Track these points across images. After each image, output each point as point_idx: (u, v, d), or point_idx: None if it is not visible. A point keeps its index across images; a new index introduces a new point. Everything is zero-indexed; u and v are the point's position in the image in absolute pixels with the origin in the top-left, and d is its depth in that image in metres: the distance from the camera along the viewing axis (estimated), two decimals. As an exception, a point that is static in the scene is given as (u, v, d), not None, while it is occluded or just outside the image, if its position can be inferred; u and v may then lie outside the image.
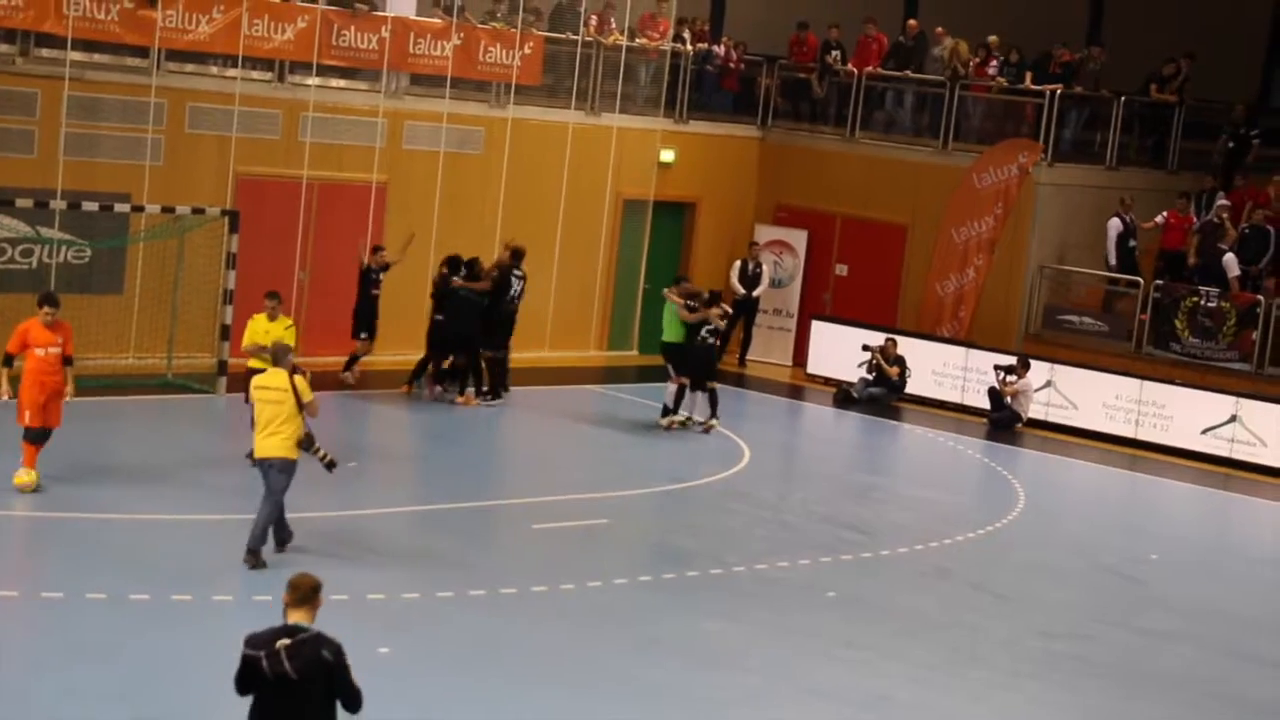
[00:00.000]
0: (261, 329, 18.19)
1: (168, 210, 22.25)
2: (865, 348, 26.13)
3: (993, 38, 28.83)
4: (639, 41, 28.04)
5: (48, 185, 21.81)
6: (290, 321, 18.53)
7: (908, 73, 28.99)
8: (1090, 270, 27.35)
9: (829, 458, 22.73)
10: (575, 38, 26.92)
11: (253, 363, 17.60)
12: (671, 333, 22.97)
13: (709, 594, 15.41)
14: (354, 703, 8.47)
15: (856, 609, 15.67)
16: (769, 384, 27.32)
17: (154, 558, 15.04)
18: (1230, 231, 26.11)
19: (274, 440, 14.92)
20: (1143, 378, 24.90)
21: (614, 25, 27.67)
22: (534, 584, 15.35)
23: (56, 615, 13.47)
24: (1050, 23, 30.89)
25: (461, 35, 25.53)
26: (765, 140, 29.71)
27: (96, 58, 22.77)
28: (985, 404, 25.49)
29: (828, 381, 26.98)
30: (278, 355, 15.39)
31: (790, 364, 28.56)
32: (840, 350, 26.95)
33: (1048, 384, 25.36)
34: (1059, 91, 27.61)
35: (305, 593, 8.56)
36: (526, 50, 26.22)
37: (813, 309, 28.67)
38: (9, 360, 16.27)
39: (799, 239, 29.14)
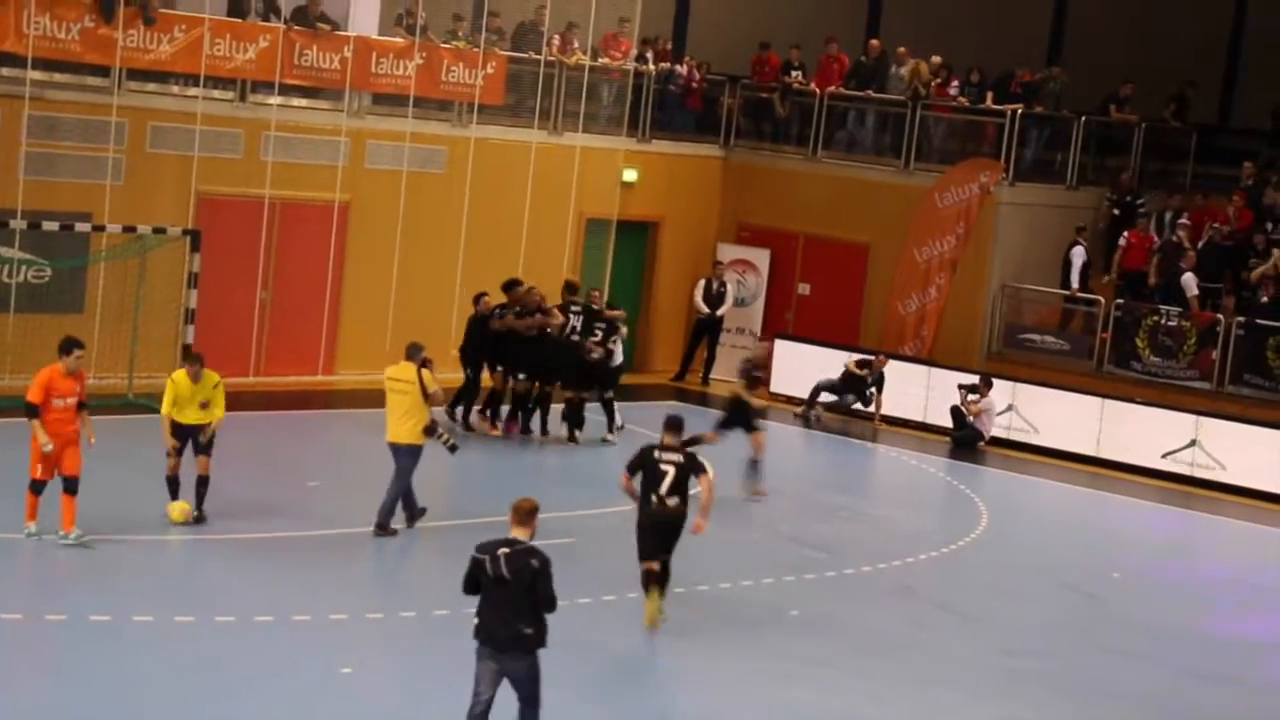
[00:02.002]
0: (186, 391, 16.39)
1: (129, 230, 22.15)
2: (961, 387, 25.43)
3: (936, 58, 28.86)
4: (602, 61, 28.09)
5: (7, 204, 21.70)
6: (218, 379, 16.59)
7: (869, 93, 29.12)
8: (1051, 289, 27.40)
9: (792, 476, 22.73)
10: (538, 57, 26.93)
11: (176, 415, 16.39)
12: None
13: (672, 613, 15.31)
14: (548, 605, 10.76)
15: (820, 628, 15.68)
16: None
17: (112, 578, 14.93)
18: (1190, 251, 26.29)
19: (403, 427, 16.66)
20: (1104, 396, 24.97)
21: (577, 45, 27.69)
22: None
23: (13, 636, 13.37)
24: (1011, 43, 31.03)
25: (424, 55, 25.51)
26: (728, 160, 29.79)
27: (57, 77, 22.66)
28: (948, 422, 25.56)
29: (790, 400, 27.03)
30: (410, 352, 17.03)
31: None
32: (803, 369, 27.01)
33: (1009, 408, 25.45)
34: (1020, 111, 27.75)
35: (523, 514, 10.87)
36: (489, 70, 26.19)
37: (776, 328, 28.71)
38: (34, 410, 15.35)
39: (761, 258, 29.20)
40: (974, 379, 25.41)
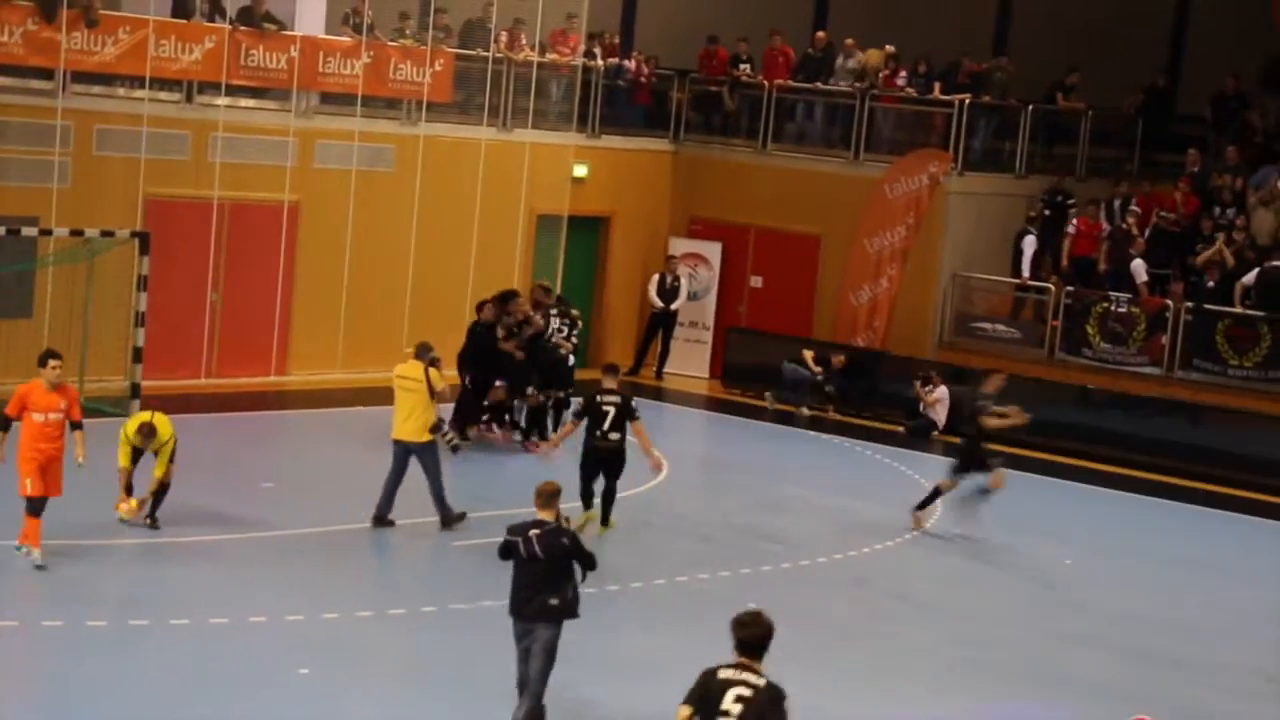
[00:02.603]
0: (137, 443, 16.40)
1: (76, 233, 22.02)
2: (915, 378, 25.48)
3: (889, 47, 28.96)
4: (550, 57, 28.05)
5: (-46, 209, 21.64)
6: (169, 436, 16.38)
7: (818, 85, 29.19)
8: (1002, 278, 27.51)
9: (747, 469, 22.77)
10: (486, 54, 26.87)
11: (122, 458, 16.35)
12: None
13: (630, 608, 15.37)
14: (590, 566, 12.03)
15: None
16: (686, 396, 27.39)
17: (63, 584, 14.79)
18: (1139, 238, 26.45)
19: (409, 425, 17.03)
20: (1055, 383, 25.19)
21: (524, 41, 27.66)
22: (454, 602, 15.25)
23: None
24: (957, 33, 31.15)
25: (371, 53, 25.42)
26: (678, 154, 29.84)
27: (0, 80, 22.49)
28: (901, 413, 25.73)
29: (744, 393, 27.06)
30: (419, 351, 17.40)
31: (707, 376, 28.65)
32: (756, 361, 27.15)
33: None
34: (967, 101, 27.85)
35: (547, 497, 11.98)
36: (437, 67, 26.11)
37: (728, 321, 28.82)
38: (6, 423, 14.99)
39: (713, 251, 29.23)
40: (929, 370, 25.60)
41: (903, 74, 28.67)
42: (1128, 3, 31.58)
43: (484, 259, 26.83)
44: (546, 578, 11.83)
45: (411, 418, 17.10)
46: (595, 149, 28.57)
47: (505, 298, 22.36)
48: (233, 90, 24.19)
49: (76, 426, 15.08)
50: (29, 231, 21.76)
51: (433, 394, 17.13)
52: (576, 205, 28.19)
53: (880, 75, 28.69)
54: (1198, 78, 30.63)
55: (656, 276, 28.32)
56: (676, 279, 28.32)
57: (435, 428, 17.35)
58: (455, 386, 18.27)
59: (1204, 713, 14.44)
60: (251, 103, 24.79)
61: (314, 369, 24.94)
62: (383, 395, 23.52)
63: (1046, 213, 27.70)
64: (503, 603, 15.20)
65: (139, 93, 23.39)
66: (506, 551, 11.98)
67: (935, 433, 25.35)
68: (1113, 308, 25.77)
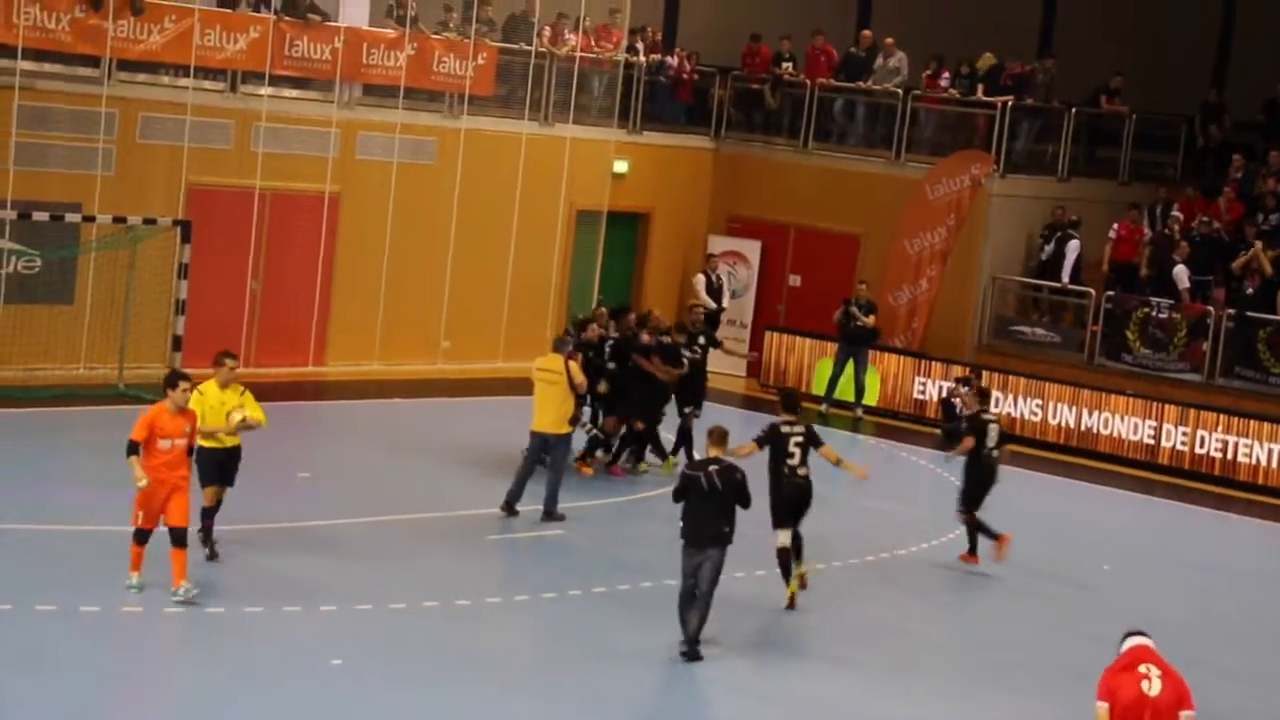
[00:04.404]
0: (215, 400, 15.10)
1: (119, 220, 22.15)
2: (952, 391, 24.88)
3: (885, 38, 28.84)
4: (593, 52, 27.99)
5: (-2, 195, 21.76)
6: (242, 388, 15.36)
7: (860, 84, 29.11)
8: (1042, 281, 27.45)
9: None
10: (529, 48, 26.92)
11: (204, 441, 14.80)
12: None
13: (662, 605, 15.18)
14: (748, 503, 13.99)
15: (806, 618, 15.65)
16: (724, 395, 27.27)
17: (105, 568, 14.77)
18: (1182, 243, 26.29)
19: (549, 417, 17.45)
20: (1094, 388, 25.08)
21: (568, 36, 27.63)
22: (488, 595, 15.35)
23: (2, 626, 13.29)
24: (1001, 35, 31.05)
25: (415, 46, 25.45)
26: (718, 151, 29.85)
27: (47, 67, 22.56)
28: (939, 415, 25.57)
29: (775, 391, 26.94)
30: (558, 344, 17.88)
31: (744, 375, 28.56)
32: (794, 361, 27.09)
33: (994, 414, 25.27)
34: (1010, 103, 27.82)
35: (719, 437, 14.05)
36: (480, 61, 26.16)
37: (766, 320, 28.76)
38: (134, 448, 13.73)
39: (752, 250, 29.25)
40: (966, 371, 25.28)
41: (945, 75, 28.64)
42: (1174, 5, 31.43)
43: (523, 254, 26.99)
44: (721, 507, 13.74)
45: (551, 409, 17.52)
46: (636, 145, 28.60)
47: (617, 313, 21.06)
48: (276, 80, 24.32)
49: (191, 452, 14.22)
50: (72, 218, 21.92)
51: (573, 386, 17.56)
52: (616, 201, 28.23)
53: (922, 76, 28.59)
54: (1245, 82, 30.40)
55: (701, 276, 28.01)
56: (719, 278, 28.18)
57: (574, 420, 17.84)
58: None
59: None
60: (295, 93, 24.90)
61: (352, 359, 25.05)
62: (418, 388, 24.88)
63: (1048, 247, 27.27)
64: (537, 598, 15.20)
65: (183, 81, 23.50)
66: (684, 490, 13.84)
67: None
68: (1154, 313, 25.69)
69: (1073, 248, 26.94)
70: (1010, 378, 25.65)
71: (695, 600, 13.87)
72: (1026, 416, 25.46)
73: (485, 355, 26.36)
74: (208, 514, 15.21)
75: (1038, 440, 25.12)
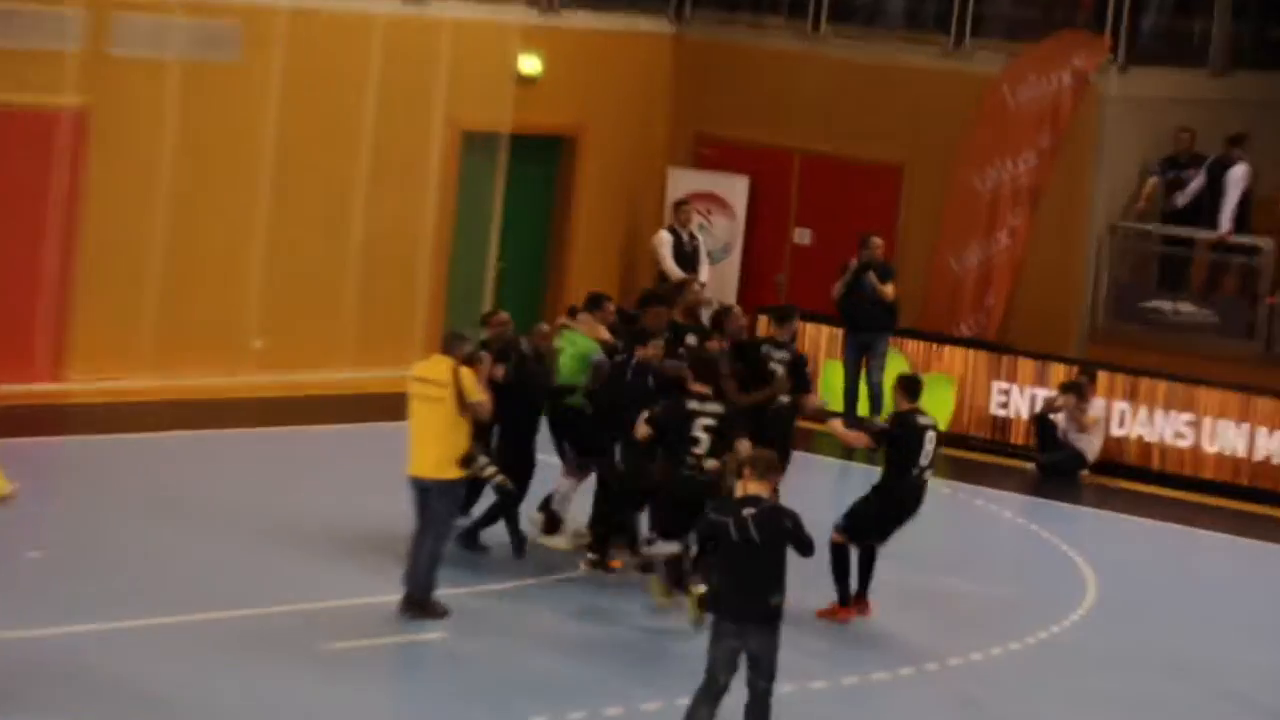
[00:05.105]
0: None
1: None
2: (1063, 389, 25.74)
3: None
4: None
5: None
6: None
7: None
8: (1189, 230, 27.40)
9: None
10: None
11: None
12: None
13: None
14: (810, 552, 14.57)
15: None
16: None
17: None
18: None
19: (428, 454, 17.46)
20: (1272, 394, 25.14)
21: None
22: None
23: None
24: None
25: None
26: (682, 38, 29.81)
27: None
28: (1033, 441, 25.87)
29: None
30: (448, 342, 17.71)
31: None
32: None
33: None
34: (1132, -40, 27.90)
35: (765, 466, 14.45)
36: (305, -101, 25.99)
37: (758, 298, 28.31)
38: None
39: (735, 190, 29.22)
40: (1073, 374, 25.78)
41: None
42: None
43: (378, 200, 26.84)
44: (767, 569, 14.16)
45: (430, 442, 17.49)
46: (554, 31, 28.56)
47: (720, 318, 21.19)
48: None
49: None
50: None
51: (463, 406, 17.39)
52: (524, 118, 28.05)
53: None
54: None
55: (667, 235, 27.81)
56: (694, 237, 27.91)
57: (466, 460, 17.56)
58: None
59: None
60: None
61: (108, 372, 24.85)
62: (216, 412, 25.60)
63: (1165, 189, 27.63)
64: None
65: None
66: (709, 535, 14.44)
67: (1085, 470, 25.49)
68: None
69: (1236, 178, 26.80)
70: (1141, 381, 25.76)
71: (715, 703, 14.38)
72: (1169, 440, 25.58)
73: (322, 360, 26.39)
74: None
75: (1187, 478, 25.23)
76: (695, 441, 18.20)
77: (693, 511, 17.28)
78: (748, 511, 14.12)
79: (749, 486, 14.37)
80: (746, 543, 14.10)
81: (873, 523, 18.91)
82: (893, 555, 21.33)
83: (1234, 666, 19.02)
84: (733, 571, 14.26)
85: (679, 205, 28.15)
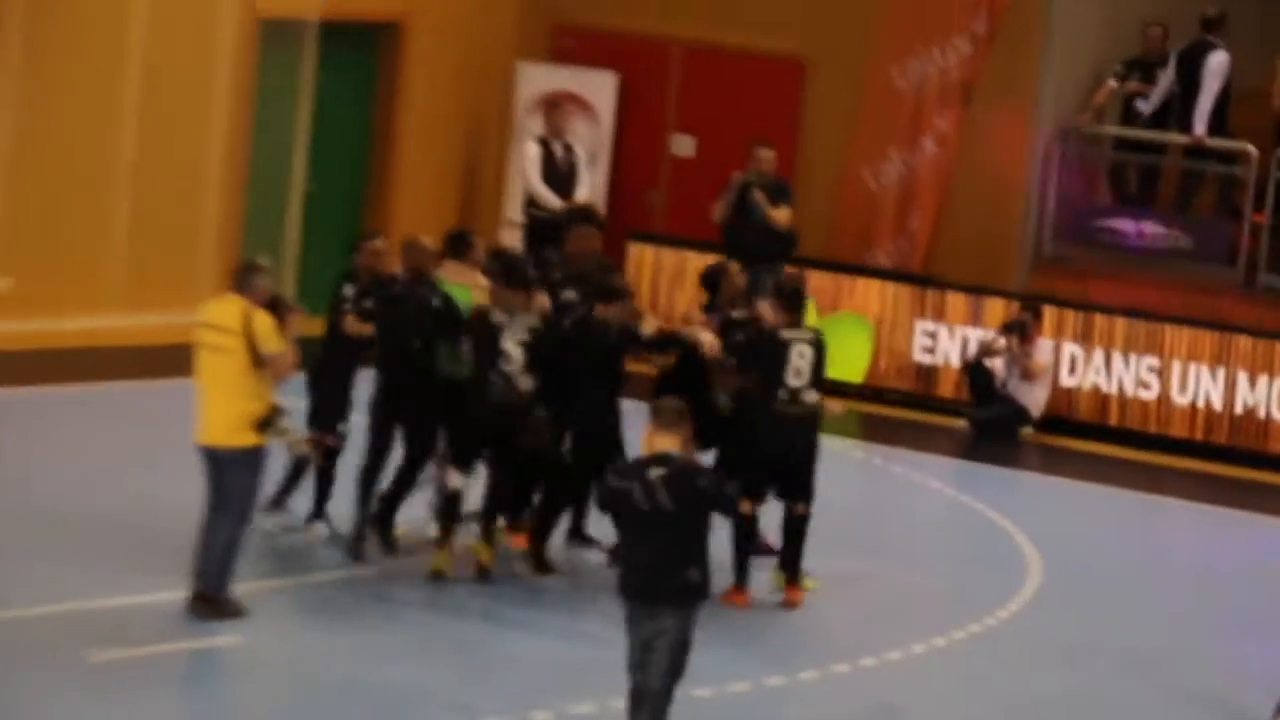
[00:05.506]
0: None
1: None
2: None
3: None
4: None
5: None
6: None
7: None
8: (1155, 133, 27.79)
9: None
10: None
11: None
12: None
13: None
14: (731, 509, 15.77)
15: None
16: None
17: None
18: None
19: (217, 417, 17.42)
20: (1262, 334, 25.58)
21: None
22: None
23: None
24: None
25: None
26: (532, -104, 29.48)
27: None
28: (965, 393, 26.40)
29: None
30: (239, 279, 17.49)
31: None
32: (683, 296, 27.35)
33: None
34: None
35: (671, 416, 14.28)
36: None
37: (629, 220, 28.86)
38: None
39: (601, 89, 29.73)
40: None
41: None
42: None
43: (154, 107, 26.91)
44: (683, 540, 14.10)
45: (220, 403, 17.48)
46: None
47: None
48: None
49: None
50: None
51: (258, 358, 17.28)
52: (337, 2, 28.40)
53: None
54: None
55: (535, 148, 27.31)
56: (570, 149, 27.48)
57: (265, 423, 17.46)
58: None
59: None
60: None
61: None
62: None
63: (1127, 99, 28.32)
64: None
65: None
66: (611, 501, 14.31)
67: (1029, 428, 25.92)
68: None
69: (1213, 68, 27.11)
70: (1096, 318, 26.25)
71: (645, 703, 14.42)
72: (1131, 391, 26.03)
73: (83, 304, 26.49)
74: None
75: (1151, 435, 25.77)
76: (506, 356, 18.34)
77: (493, 440, 18.23)
78: (656, 473, 13.99)
79: (655, 441, 14.16)
80: (656, 510, 14.00)
81: (750, 469, 18.92)
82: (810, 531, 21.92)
83: (1200, 661, 19.19)
84: (642, 545, 14.19)
85: (552, 107, 27.74)
